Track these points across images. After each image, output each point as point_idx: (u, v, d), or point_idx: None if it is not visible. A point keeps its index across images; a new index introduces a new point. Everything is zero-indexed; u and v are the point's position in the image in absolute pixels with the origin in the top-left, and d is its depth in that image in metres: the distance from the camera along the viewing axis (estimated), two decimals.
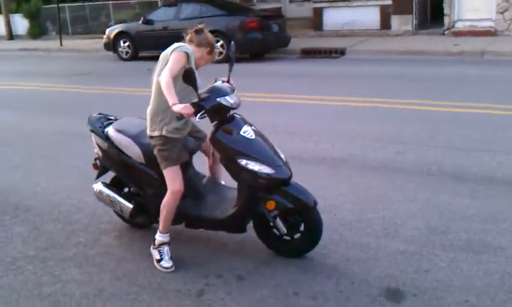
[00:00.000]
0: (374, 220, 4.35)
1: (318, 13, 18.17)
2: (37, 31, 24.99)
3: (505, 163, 5.44)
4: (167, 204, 3.79)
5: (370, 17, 17.30)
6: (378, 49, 14.51)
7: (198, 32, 3.76)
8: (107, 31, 16.55)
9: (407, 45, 14.63)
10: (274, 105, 8.65)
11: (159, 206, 3.82)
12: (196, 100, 3.56)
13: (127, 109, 8.49)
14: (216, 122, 3.68)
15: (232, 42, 4.03)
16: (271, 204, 3.64)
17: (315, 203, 3.66)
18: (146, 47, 15.21)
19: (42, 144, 7.29)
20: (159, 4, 19.31)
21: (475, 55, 13.01)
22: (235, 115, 3.75)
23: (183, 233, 4.21)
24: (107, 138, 4.13)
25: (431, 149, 6.01)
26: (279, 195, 3.65)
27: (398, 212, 4.49)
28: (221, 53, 13.87)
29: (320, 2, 18.10)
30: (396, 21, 16.91)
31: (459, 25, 15.68)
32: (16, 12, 25.67)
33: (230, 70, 3.93)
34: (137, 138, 3.97)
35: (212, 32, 3.83)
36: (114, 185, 4.36)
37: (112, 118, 4.42)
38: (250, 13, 15.35)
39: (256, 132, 3.73)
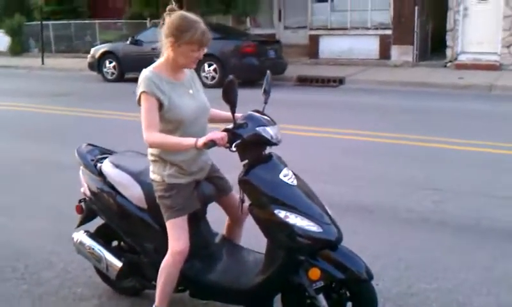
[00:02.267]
0: (428, 293, 3.42)
1: (314, 40, 17.48)
2: (18, 48, 23.97)
3: None
4: (166, 267, 2.90)
5: (368, 46, 16.66)
6: (379, 79, 13.79)
7: (171, 15, 2.81)
8: (92, 50, 15.78)
9: (409, 76, 13.96)
10: None
11: (159, 267, 2.92)
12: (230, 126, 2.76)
13: (111, 134, 7.66)
14: (247, 161, 2.80)
15: (268, 72, 3.17)
16: (315, 273, 2.70)
17: (370, 276, 2.74)
18: (133, 68, 14.38)
19: (11, 175, 6.27)
20: (148, 25, 18.45)
21: (483, 89, 12.35)
22: (273, 154, 2.86)
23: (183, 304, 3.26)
24: (100, 174, 3.28)
25: (471, 197, 5.15)
26: (325, 261, 2.73)
27: (456, 282, 3.57)
28: (213, 78, 13.05)
29: (317, 29, 17.44)
30: (396, 51, 16.26)
31: (463, 58, 15.06)
32: None
33: (266, 102, 3.05)
34: (139, 176, 3.11)
35: (205, 56, 2.95)
36: (100, 236, 3.44)
37: (108, 151, 3.57)
38: (246, 37, 14.59)
39: (297, 178, 2.83)
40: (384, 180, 5.72)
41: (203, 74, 13.16)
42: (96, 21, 22.15)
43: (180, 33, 2.73)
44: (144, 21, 19.47)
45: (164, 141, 2.74)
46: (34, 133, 8.61)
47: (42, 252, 4.15)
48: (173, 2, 2.90)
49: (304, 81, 14.22)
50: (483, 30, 14.77)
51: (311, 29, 17.63)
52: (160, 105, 2.75)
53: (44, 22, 21.43)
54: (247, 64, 13.08)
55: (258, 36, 15.95)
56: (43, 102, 11.53)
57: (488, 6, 14.70)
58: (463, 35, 15.07)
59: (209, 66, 13.17)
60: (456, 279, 3.61)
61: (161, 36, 2.83)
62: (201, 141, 2.62)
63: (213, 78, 13.11)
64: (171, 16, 2.78)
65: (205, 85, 12.67)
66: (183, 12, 2.82)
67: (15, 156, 7.08)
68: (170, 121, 2.80)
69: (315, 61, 17.13)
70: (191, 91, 2.91)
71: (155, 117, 2.74)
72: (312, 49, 17.53)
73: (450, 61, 15.17)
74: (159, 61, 2.87)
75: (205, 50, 2.85)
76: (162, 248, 2.94)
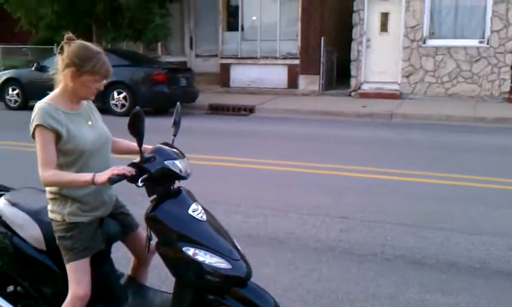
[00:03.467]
0: None
1: (225, 69, 17.64)
2: None
3: (464, 244, 4.84)
4: None
5: (277, 76, 17.03)
6: (288, 108, 14.12)
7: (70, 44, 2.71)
8: None
9: (316, 105, 14.40)
10: None
11: None
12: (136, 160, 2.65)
13: (11, 168, 7.27)
14: (154, 196, 2.71)
15: (178, 103, 3.13)
16: None
17: None
18: (38, 95, 13.45)
19: None
20: (55, 50, 17.85)
21: (384, 117, 12.97)
22: (182, 188, 2.80)
23: None
24: None
25: (376, 225, 5.32)
26: (234, 299, 2.68)
27: None
28: (123, 105, 12.80)
29: (228, 58, 17.62)
30: (303, 81, 16.75)
31: (366, 88, 15.77)
32: None
33: (175, 135, 2.98)
34: (37, 215, 2.92)
35: (114, 83, 2.88)
36: None
37: (4, 187, 3.37)
38: (156, 64, 14.45)
39: (207, 213, 2.79)
40: (295, 210, 5.81)
41: (112, 102, 12.91)
42: None
43: (82, 62, 2.63)
44: (51, 47, 18.84)
45: (59, 179, 2.61)
46: None
47: None
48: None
49: (216, 110, 14.29)
50: (385, 60, 15.56)
51: (222, 57, 17.79)
52: (58, 137, 2.63)
53: None
54: (157, 92, 12.95)
55: (169, 63, 15.88)
56: None
57: (388, 37, 15.54)
58: (366, 65, 15.79)
59: (119, 93, 12.93)
60: None
61: (58, 65, 2.71)
62: (102, 176, 2.51)
63: (123, 106, 12.86)
64: (71, 46, 2.68)
65: (114, 113, 12.56)
66: (83, 42, 2.73)
67: None
68: (70, 153, 2.67)
69: (226, 90, 17.28)
70: (90, 123, 2.80)
71: (51, 153, 2.61)
72: (223, 78, 17.68)
73: (354, 90, 15.83)
74: (55, 92, 2.74)
75: (105, 82, 2.78)
76: (62, 293, 2.78)
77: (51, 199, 2.78)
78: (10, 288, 3.21)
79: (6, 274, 3.15)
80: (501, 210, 5.78)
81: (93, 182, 2.53)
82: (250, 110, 14.14)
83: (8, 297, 3.11)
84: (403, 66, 15.22)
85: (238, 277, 2.68)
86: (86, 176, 2.56)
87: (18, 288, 3.21)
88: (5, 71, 15.40)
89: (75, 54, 2.65)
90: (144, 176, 2.61)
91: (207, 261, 2.60)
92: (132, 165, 2.63)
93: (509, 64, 14.38)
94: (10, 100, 14.50)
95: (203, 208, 2.79)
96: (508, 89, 14.44)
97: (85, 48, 2.68)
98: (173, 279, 2.75)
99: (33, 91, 13.91)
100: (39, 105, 2.66)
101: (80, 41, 2.72)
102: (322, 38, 16.19)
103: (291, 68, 16.93)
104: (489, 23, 14.47)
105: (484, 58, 14.55)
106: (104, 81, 2.75)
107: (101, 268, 2.96)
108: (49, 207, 2.80)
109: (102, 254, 2.94)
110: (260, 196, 6.34)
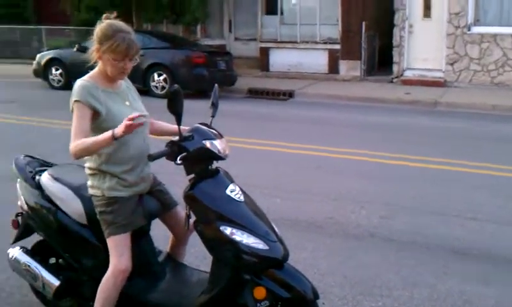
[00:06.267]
0: None
1: (265, 53, 17.53)
2: None
3: (507, 235, 4.69)
4: (106, 286, 2.78)
5: (317, 61, 16.83)
6: (328, 93, 13.95)
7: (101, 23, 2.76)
8: (38, 56, 15.27)
9: (357, 91, 14.18)
10: None
11: (98, 285, 2.81)
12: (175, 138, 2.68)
13: (54, 144, 7.41)
14: (193, 175, 2.71)
15: (216, 85, 3.11)
16: (260, 292, 2.63)
17: (316, 295, 2.69)
18: (80, 75, 13.81)
19: None
20: None
21: (428, 105, 12.68)
22: (220, 169, 2.79)
23: None
24: (38, 187, 3.13)
25: (417, 213, 5.21)
26: (270, 280, 2.66)
27: (401, 301, 3.58)
28: (163, 87, 12.87)
29: (267, 42, 17.51)
30: (344, 66, 16.50)
31: (409, 74, 15.42)
32: None
33: (213, 116, 2.98)
34: (79, 190, 2.98)
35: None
36: (37, 253, 3.30)
37: (48, 163, 3.44)
38: (196, 47, 14.46)
39: (245, 194, 2.77)
40: (335, 195, 5.74)
41: (152, 84, 13.00)
42: (43, 27, 21.56)
43: (102, 40, 2.68)
44: (93, 28, 19.08)
45: (83, 144, 2.59)
46: None
47: None
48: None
49: (255, 94, 14.21)
50: (428, 47, 15.15)
51: (261, 41, 17.67)
52: (96, 115, 2.67)
53: None
54: (197, 75, 12.95)
55: (209, 46, 15.88)
56: None
57: (432, 24, 15.12)
58: (408, 51, 15.43)
59: (159, 76, 13.01)
60: (401, 297, 3.63)
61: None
62: (119, 128, 2.48)
63: (163, 88, 12.92)
64: (101, 24, 2.73)
65: (154, 95, 12.63)
66: (112, 21, 2.75)
67: None
68: (108, 131, 2.68)
69: (266, 74, 17.19)
70: (127, 103, 2.83)
71: (84, 125, 2.63)
72: (262, 62, 17.58)
73: (397, 77, 15.51)
74: (94, 71, 2.80)
75: (135, 62, 2.77)
76: (102, 265, 2.84)
77: (90, 174, 2.81)
78: (52, 260, 3.28)
79: (49, 247, 3.23)
80: None
81: (113, 136, 2.52)
82: (290, 94, 14.02)
83: (50, 269, 3.17)
84: (447, 53, 14.81)
85: (275, 259, 2.66)
86: (106, 134, 2.56)
87: (60, 260, 3.28)
88: (48, 51, 15.61)
89: (97, 32, 2.71)
90: (183, 154, 2.62)
91: (244, 241, 2.60)
92: (171, 143, 2.63)
93: None
94: (53, 80, 14.76)
95: (240, 189, 2.78)
96: None
97: (108, 27, 2.71)
98: (211, 259, 2.75)
99: (75, 71, 14.02)
100: (79, 82, 2.71)
101: (109, 20, 2.74)
102: (364, 23, 15.90)
103: (331, 53, 16.69)
104: None
105: None
106: (134, 61, 2.75)
107: (140, 244, 2.99)
108: (89, 183, 2.84)
109: (141, 231, 2.97)
110: (300, 180, 6.28)
